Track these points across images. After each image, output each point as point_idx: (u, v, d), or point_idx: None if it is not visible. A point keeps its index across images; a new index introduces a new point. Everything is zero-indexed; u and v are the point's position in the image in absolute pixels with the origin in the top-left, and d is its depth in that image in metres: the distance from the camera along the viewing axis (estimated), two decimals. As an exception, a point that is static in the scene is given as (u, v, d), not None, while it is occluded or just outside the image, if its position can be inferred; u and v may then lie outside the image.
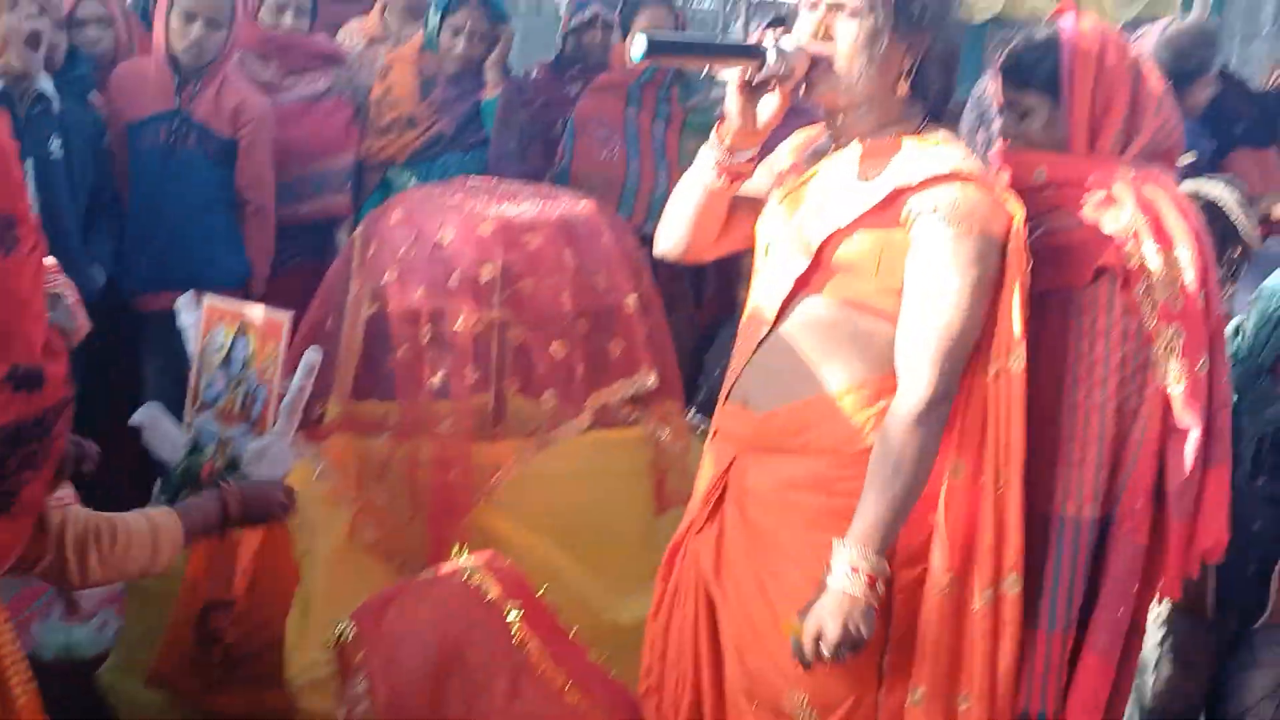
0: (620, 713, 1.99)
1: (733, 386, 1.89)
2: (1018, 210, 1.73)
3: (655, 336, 2.72)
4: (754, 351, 1.86)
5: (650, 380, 2.62)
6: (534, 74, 3.89)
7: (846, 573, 1.67)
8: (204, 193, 3.28)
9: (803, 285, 1.80)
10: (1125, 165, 1.85)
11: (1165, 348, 1.78)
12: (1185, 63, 3.33)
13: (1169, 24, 3.37)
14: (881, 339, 1.75)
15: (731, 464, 1.89)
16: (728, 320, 3.87)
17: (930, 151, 1.74)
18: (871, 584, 1.66)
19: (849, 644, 1.67)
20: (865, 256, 1.75)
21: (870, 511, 1.68)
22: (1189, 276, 1.78)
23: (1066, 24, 1.88)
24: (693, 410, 3.17)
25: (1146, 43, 3.21)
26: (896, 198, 1.73)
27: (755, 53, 1.77)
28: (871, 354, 1.76)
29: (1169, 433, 1.80)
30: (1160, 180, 1.86)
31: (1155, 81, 1.88)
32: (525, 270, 2.49)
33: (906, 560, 1.75)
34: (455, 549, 2.17)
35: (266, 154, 3.34)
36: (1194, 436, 1.78)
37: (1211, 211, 2.85)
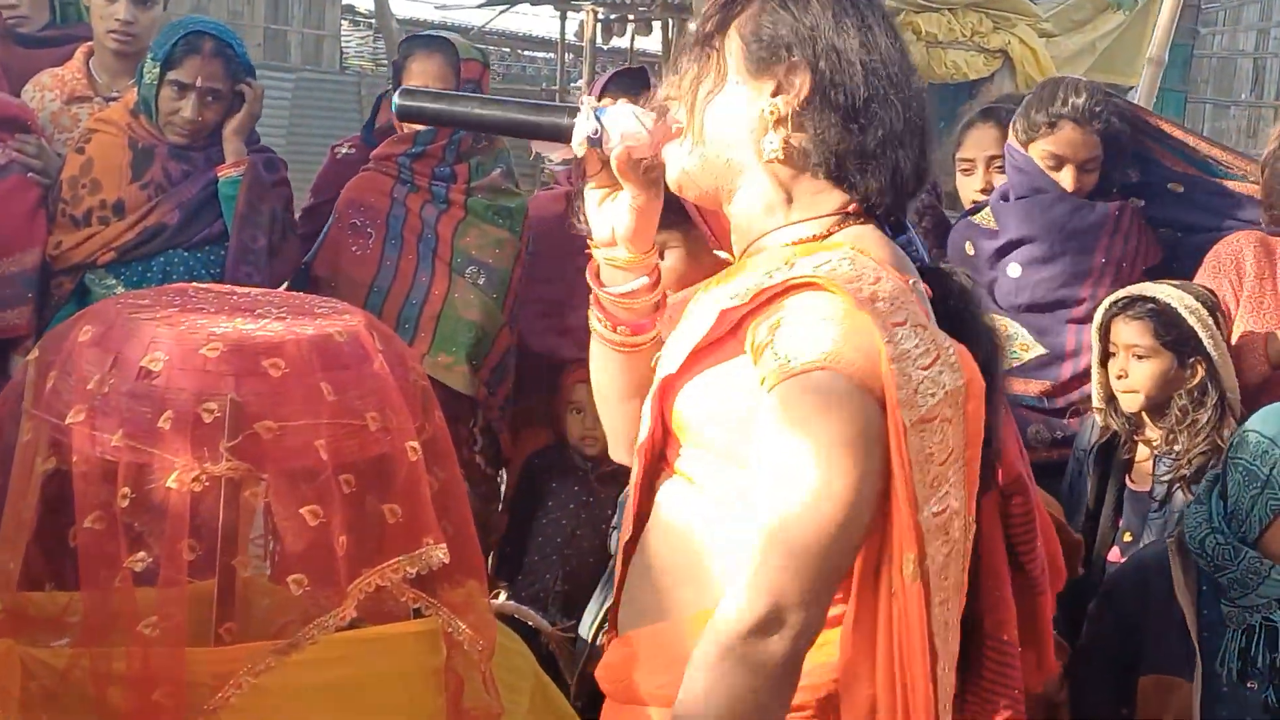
0: None
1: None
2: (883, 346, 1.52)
3: (447, 496, 2.60)
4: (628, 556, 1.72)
5: (438, 555, 2.50)
6: (343, 151, 3.85)
7: None
8: None
9: (651, 461, 1.68)
10: None
11: None
12: None
13: None
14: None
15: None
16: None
17: (801, 261, 1.60)
18: None
19: None
20: (705, 414, 1.61)
21: None
22: None
23: None
24: (501, 594, 3.08)
25: None
26: (734, 323, 1.58)
27: (559, 116, 1.65)
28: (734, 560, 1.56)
29: None
30: None
31: None
32: (265, 408, 2.35)
33: None
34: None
35: None
36: None
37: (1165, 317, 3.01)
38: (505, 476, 3.94)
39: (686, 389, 1.63)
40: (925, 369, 1.48)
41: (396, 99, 1.71)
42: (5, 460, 2.48)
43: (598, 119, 1.66)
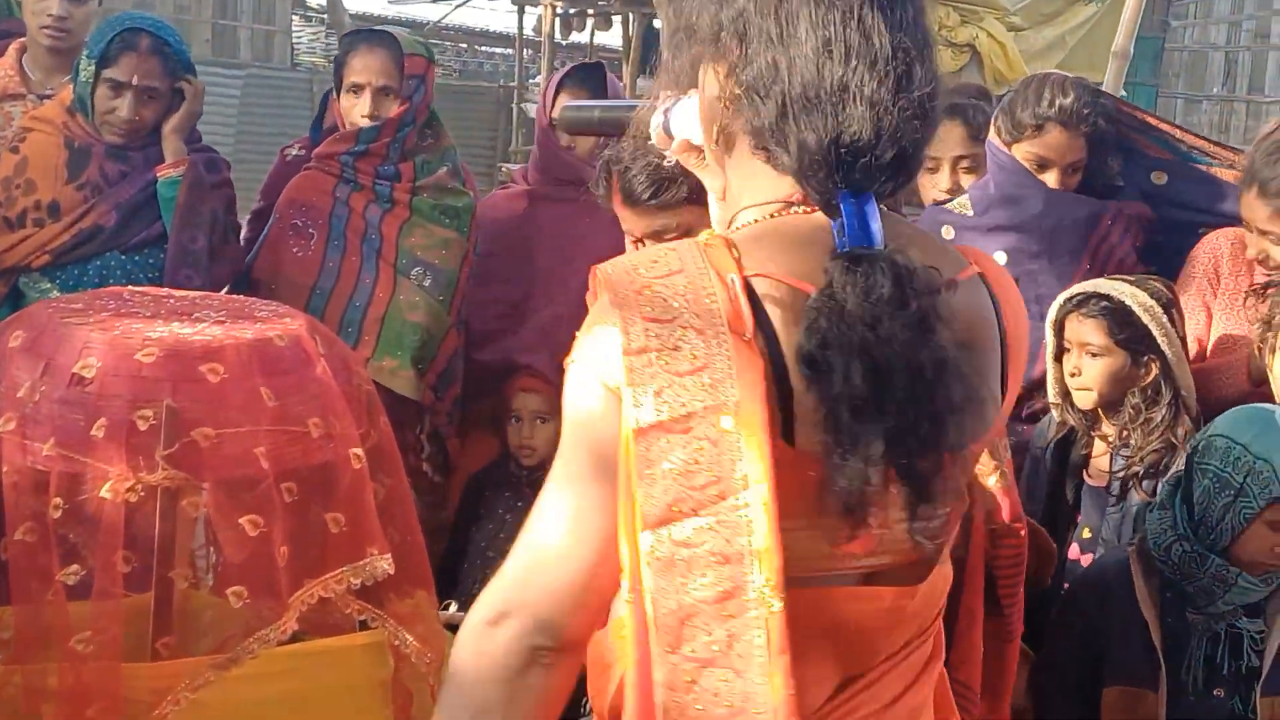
0: None
1: None
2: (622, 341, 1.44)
3: (393, 504, 2.61)
4: None
5: (383, 566, 2.48)
6: (292, 153, 3.82)
7: None
8: None
9: None
10: None
11: None
12: None
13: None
14: None
15: None
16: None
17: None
18: None
19: None
20: None
21: None
22: None
23: None
24: (451, 605, 3.06)
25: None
26: None
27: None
28: None
29: None
30: None
31: None
32: (203, 414, 2.33)
33: None
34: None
35: None
36: None
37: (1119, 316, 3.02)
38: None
39: None
40: (681, 375, 1.39)
41: (561, 115, 1.87)
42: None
43: (665, 114, 1.75)
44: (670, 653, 1.35)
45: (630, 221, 2.55)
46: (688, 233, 2.22)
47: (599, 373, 1.43)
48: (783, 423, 1.42)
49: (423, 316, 3.56)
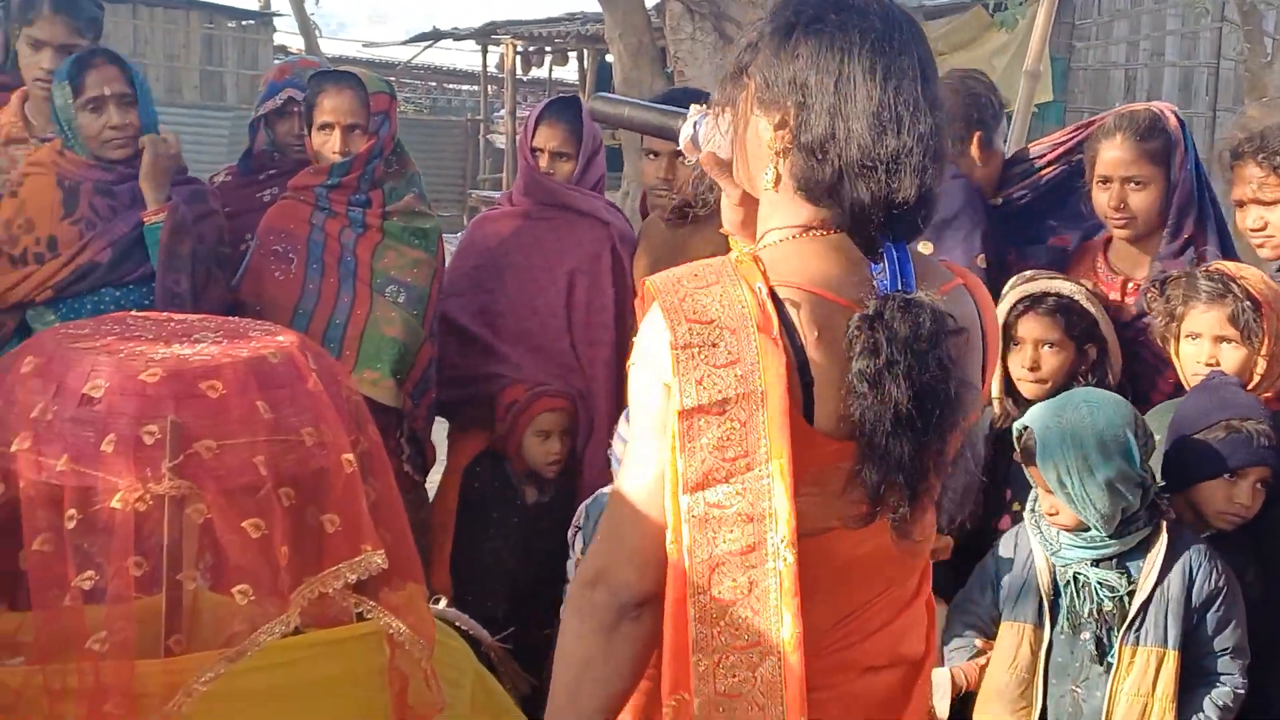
0: None
1: None
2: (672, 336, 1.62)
3: (384, 504, 2.58)
4: None
5: (377, 561, 2.47)
6: (219, 179, 3.78)
7: None
8: None
9: None
10: None
11: None
12: None
13: None
14: None
15: None
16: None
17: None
18: None
19: None
20: None
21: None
22: None
23: None
24: (441, 600, 3.04)
25: None
26: None
27: (676, 121, 1.88)
28: None
29: None
30: None
31: None
32: (204, 428, 2.31)
33: None
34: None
35: None
36: None
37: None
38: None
39: None
40: (718, 367, 1.56)
41: (591, 103, 1.93)
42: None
43: (694, 126, 1.85)
44: (702, 594, 1.51)
45: None
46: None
47: (656, 372, 1.60)
48: (804, 403, 1.59)
49: (399, 331, 3.55)
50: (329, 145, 3.61)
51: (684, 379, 1.54)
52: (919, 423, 1.59)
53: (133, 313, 2.81)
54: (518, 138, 4.25)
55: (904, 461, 1.59)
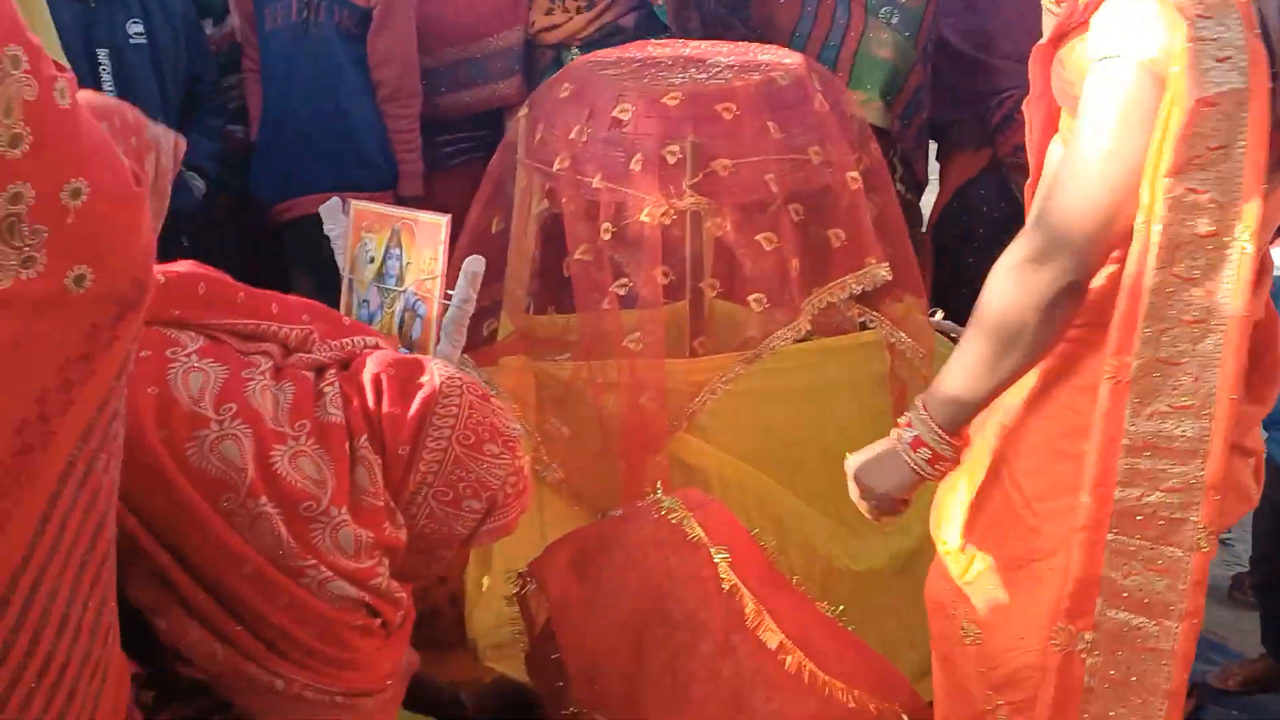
0: (865, 678, 1.96)
1: None
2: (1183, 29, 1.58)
3: (885, 220, 2.64)
4: None
5: (882, 274, 2.54)
6: None
7: (901, 431, 1.76)
8: (341, 77, 3.24)
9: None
10: None
11: None
12: None
13: None
14: None
15: None
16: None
17: None
18: (916, 447, 1.73)
19: (871, 498, 1.80)
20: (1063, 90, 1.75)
21: (942, 375, 1.72)
22: None
23: None
24: (938, 312, 3.07)
25: None
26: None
27: None
28: None
29: None
30: None
31: None
32: (721, 148, 2.42)
33: None
34: (651, 485, 2.16)
35: (405, 25, 3.26)
36: None
37: None
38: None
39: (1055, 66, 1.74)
40: (1218, 61, 1.53)
41: None
42: (505, 205, 2.66)
43: None
44: (1161, 269, 1.55)
45: None
46: None
47: (1143, 61, 1.56)
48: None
49: (890, 52, 3.50)
50: None
51: (1196, 69, 1.53)
52: None
53: (653, 40, 2.92)
54: None
55: None
